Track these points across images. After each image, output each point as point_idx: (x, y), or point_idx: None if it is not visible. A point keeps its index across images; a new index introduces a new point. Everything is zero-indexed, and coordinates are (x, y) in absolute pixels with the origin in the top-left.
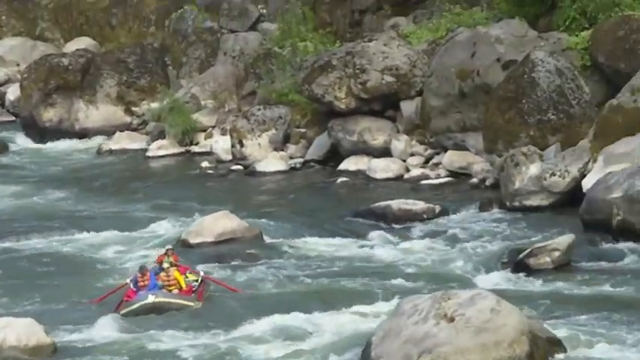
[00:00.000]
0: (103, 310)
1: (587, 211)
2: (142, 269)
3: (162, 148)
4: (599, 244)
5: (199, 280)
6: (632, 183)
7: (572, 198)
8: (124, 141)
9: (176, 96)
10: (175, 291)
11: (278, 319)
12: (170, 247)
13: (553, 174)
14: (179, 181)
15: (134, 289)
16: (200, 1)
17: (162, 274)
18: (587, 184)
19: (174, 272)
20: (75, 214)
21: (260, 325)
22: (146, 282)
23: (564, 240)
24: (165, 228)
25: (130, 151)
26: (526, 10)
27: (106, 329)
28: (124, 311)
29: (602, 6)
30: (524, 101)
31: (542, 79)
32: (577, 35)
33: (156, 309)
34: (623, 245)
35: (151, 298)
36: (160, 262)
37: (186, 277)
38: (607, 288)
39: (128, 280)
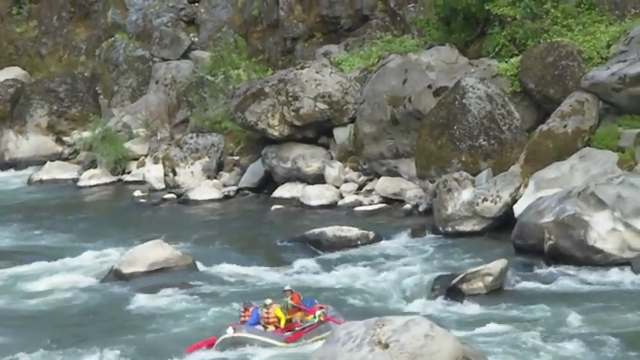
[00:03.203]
0: None
1: (519, 236)
2: (246, 304)
3: (93, 178)
4: (531, 269)
5: (317, 320)
6: (563, 208)
7: (504, 223)
8: (54, 171)
9: (107, 125)
10: (271, 328)
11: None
12: (288, 287)
13: (485, 199)
14: (111, 210)
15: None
16: (131, 30)
17: (264, 309)
18: (518, 209)
19: (275, 310)
20: (4, 245)
21: (195, 356)
22: (247, 318)
23: (497, 265)
24: (97, 258)
25: (60, 181)
26: (456, 36)
27: None
28: (215, 347)
29: (530, 33)
30: (455, 127)
31: (473, 105)
32: (507, 61)
33: (237, 343)
34: (554, 269)
35: (229, 332)
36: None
37: (306, 317)
38: (539, 312)
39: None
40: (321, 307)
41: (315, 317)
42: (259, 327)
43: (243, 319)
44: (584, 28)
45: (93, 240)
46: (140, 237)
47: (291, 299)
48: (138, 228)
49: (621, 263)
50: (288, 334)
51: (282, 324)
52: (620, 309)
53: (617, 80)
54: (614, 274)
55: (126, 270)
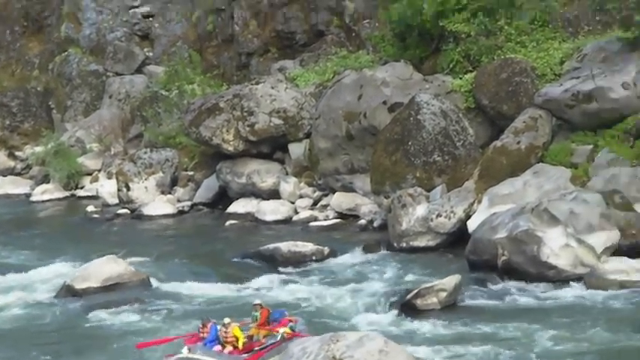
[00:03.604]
0: None
1: (472, 252)
2: (204, 320)
3: (46, 193)
4: (485, 284)
5: (279, 338)
6: (516, 223)
7: (458, 239)
8: (7, 186)
9: (61, 140)
10: (229, 349)
11: None
12: (258, 302)
13: (439, 215)
14: (64, 225)
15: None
16: (84, 44)
17: (222, 328)
18: (472, 224)
19: (233, 329)
20: None
21: None
22: (205, 334)
23: (451, 280)
24: (50, 274)
25: (13, 196)
26: (411, 53)
27: None
28: None
29: (484, 49)
30: (410, 143)
31: (428, 121)
32: (461, 78)
33: None
34: (508, 284)
35: (184, 351)
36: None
37: (272, 332)
38: (493, 327)
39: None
40: (290, 320)
41: (278, 334)
42: (217, 346)
43: (201, 334)
44: (538, 45)
45: (46, 255)
46: (93, 252)
47: (261, 314)
48: (91, 243)
49: (574, 279)
50: (244, 355)
51: (241, 344)
52: (573, 325)
53: (570, 97)
54: (567, 290)
55: (79, 286)
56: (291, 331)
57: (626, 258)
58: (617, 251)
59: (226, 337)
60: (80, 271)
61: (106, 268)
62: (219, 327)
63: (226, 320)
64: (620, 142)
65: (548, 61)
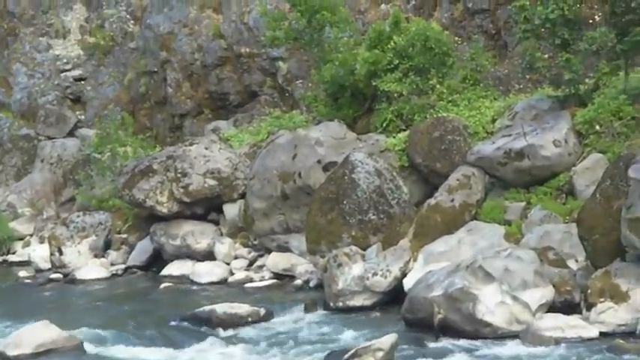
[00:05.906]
0: None
1: (409, 310)
2: None
3: None
4: (421, 343)
5: None
6: (452, 281)
7: (394, 297)
8: None
9: None
10: None
11: None
12: None
13: (375, 274)
14: None
15: None
16: (15, 109)
17: None
18: (408, 283)
19: None
20: None
21: None
22: None
23: (387, 340)
24: None
25: None
26: (344, 112)
27: None
28: None
29: (417, 108)
30: (345, 202)
31: (362, 179)
32: (394, 137)
33: None
34: (445, 343)
35: None
36: None
37: None
38: None
39: None
40: None
41: None
42: None
43: None
44: (470, 104)
45: None
46: (26, 318)
47: None
48: (24, 309)
49: (510, 336)
50: None
51: None
52: None
53: (502, 154)
54: (504, 347)
55: (11, 352)
56: None
57: (560, 314)
58: (551, 308)
59: None
60: (12, 337)
61: (39, 333)
62: None
63: None
64: (553, 199)
65: (480, 120)
